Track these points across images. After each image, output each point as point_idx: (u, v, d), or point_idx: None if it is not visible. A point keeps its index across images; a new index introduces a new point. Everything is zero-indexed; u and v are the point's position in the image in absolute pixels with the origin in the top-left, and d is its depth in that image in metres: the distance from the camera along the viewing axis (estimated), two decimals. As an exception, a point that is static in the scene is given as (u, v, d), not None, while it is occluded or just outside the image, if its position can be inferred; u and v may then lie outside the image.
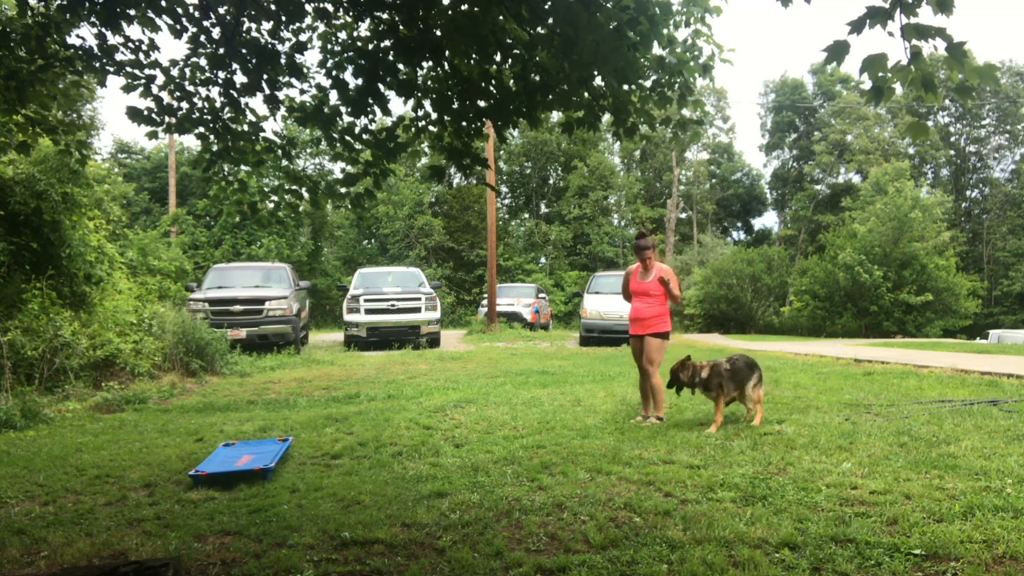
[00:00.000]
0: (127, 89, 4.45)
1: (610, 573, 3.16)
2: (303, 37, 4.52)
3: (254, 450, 5.60)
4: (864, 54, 2.81)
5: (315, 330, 25.48)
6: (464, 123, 4.28)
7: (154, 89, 4.53)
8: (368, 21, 4.21)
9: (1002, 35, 72.24)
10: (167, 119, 4.59)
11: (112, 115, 73.38)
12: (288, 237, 32.32)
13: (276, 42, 4.38)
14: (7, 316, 8.93)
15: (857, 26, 2.75)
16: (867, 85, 2.97)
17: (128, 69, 4.44)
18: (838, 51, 2.83)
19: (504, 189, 46.34)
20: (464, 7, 3.61)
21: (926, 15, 2.72)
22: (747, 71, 78.97)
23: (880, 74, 2.82)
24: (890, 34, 2.69)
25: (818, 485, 4.20)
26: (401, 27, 3.97)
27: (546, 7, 3.48)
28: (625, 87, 4.08)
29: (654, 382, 6.61)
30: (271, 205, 5.31)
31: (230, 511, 4.27)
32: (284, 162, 5.05)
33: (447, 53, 3.88)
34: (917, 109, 40.14)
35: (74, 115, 7.67)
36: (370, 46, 4.23)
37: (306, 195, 5.14)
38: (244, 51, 4.30)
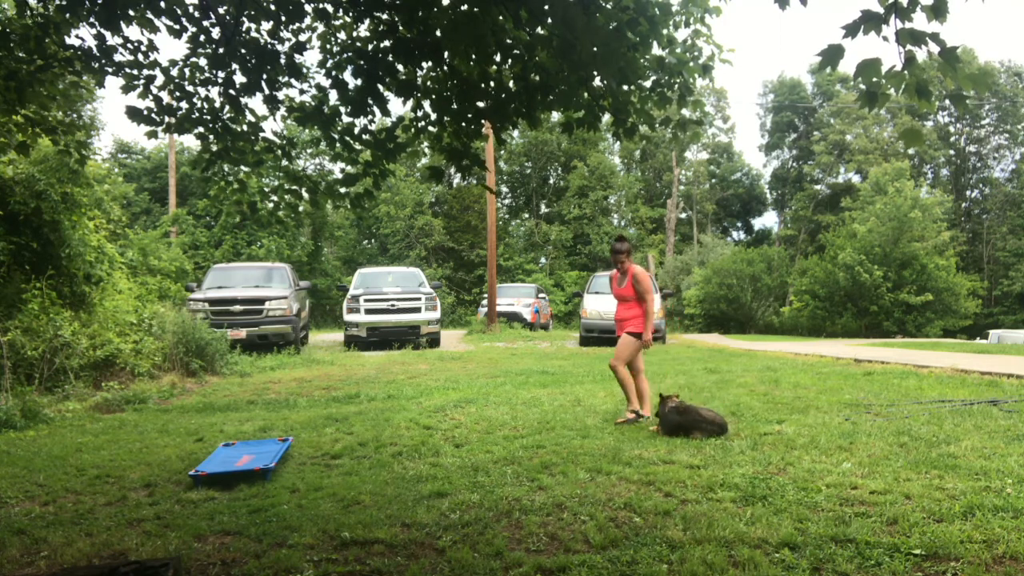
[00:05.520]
0: (126, 89, 4.46)
1: (610, 573, 3.16)
2: (303, 37, 4.53)
3: (254, 450, 5.60)
4: (859, 56, 2.81)
5: (315, 330, 25.48)
6: (463, 124, 4.28)
7: (153, 89, 4.53)
8: (368, 21, 4.21)
9: (1002, 35, 72.28)
10: (167, 119, 4.60)
11: (112, 115, 73.41)
12: (288, 237, 32.33)
13: (276, 42, 4.38)
14: (7, 316, 8.93)
15: (852, 30, 2.75)
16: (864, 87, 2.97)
17: (127, 70, 4.44)
18: (832, 55, 2.83)
19: (504, 189, 46.35)
20: (464, 7, 3.61)
21: (920, 21, 2.71)
22: (746, 71, 79.05)
23: (874, 79, 2.82)
24: (884, 39, 2.69)
25: (818, 485, 4.20)
26: (401, 27, 3.97)
27: (544, 8, 3.48)
28: (625, 87, 4.08)
29: (619, 375, 6.62)
30: (271, 205, 5.32)
31: (230, 511, 4.27)
32: (284, 162, 5.05)
33: (447, 54, 3.88)
34: (917, 110, 40.13)
35: (74, 115, 7.65)
36: (369, 46, 4.23)
37: (306, 195, 5.15)
38: (244, 51, 4.30)
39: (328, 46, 4.52)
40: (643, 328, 6.60)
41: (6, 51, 4.33)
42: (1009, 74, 44.84)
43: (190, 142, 34.79)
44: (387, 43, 4.10)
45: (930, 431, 5.47)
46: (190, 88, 4.59)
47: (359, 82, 4.16)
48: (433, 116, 4.29)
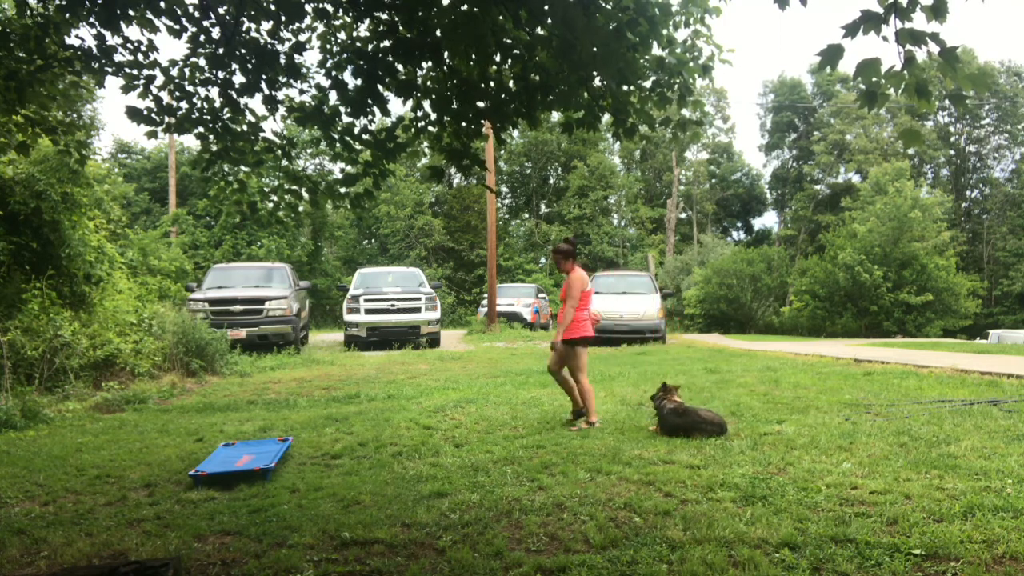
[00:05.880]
0: (126, 89, 4.46)
1: (610, 573, 3.16)
2: (303, 37, 4.53)
3: (254, 450, 5.60)
4: (859, 56, 2.81)
5: (315, 330, 25.48)
6: (463, 124, 4.28)
7: (153, 89, 4.53)
8: (368, 21, 4.21)
9: (1002, 35, 72.29)
10: (167, 119, 4.60)
11: (112, 115, 73.43)
12: (288, 237, 32.32)
13: (276, 42, 4.38)
14: (7, 316, 8.93)
15: (851, 30, 2.74)
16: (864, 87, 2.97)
17: (127, 70, 4.44)
18: (832, 55, 2.82)
19: (504, 189, 46.35)
20: (464, 7, 3.61)
21: (920, 21, 2.71)
22: (746, 71, 79.08)
23: (874, 79, 2.82)
24: (884, 39, 2.69)
25: (818, 485, 4.20)
26: (401, 27, 3.97)
27: (544, 8, 3.48)
28: (625, 88, 4.09)
29: (577, 386, 6.70)
30: (271, 205, 5.32)
31: (230, 511, 4.27)
32: (284, 162, 5.05)
33: (446, 54, 3.88)
34: (917, 110, 40.12)
35: (74, 115, 7.66)
36: (369, 47, 4.23)
37: (306, 195, 5.15)
38: (244, 51, 4.30)
39: (328, 46, 4.53)
40: (575, 333, 6.68)
41: (6, 51, 4.33)
42: (1009, 74, 44.81)
43: (190, 142, 34.81)
44: (387, 43, 4.10)
45: (930, 431, 5.47)
46: (190, 88, 4.59)
47: (359, 82, 4.16)
48: (433, 116, 4.29)
